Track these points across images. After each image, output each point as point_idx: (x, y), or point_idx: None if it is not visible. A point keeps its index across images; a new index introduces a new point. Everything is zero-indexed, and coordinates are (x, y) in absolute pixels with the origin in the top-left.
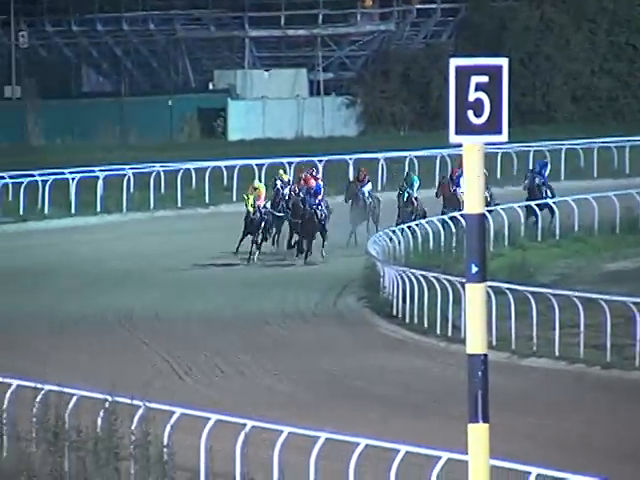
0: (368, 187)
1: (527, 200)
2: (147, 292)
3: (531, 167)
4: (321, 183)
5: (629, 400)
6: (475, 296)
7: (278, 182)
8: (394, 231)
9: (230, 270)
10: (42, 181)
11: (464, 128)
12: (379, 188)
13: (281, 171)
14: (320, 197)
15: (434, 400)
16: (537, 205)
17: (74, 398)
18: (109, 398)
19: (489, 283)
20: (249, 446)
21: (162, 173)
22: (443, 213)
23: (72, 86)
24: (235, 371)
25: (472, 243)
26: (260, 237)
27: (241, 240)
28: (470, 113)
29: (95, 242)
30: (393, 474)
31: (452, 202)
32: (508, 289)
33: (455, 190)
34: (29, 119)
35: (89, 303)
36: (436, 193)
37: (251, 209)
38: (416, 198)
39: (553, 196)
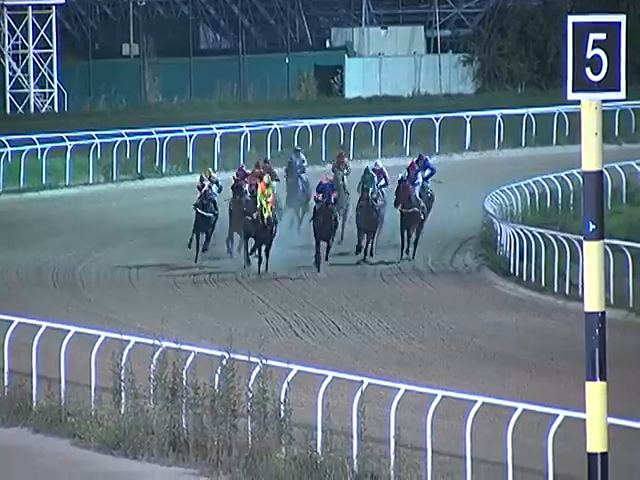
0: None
1: None
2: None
3: None
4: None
5: None
6: (592, 254)
7: (206, 182)
8: (511, 188)
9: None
10: (159, 139)
11: (581, 85)
12: (496, 146)
13: (210, 169)
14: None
15: (551, 358)
16: None
17: (191, 355)
18: (226, 355)
19: (606, 241)
20: (365, 403)
21: (279, 130)
22: (399, 212)
23: (190, 44)
24: (352, 328)
25: (589, 201)
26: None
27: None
28: (588, 70)
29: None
30: (510, 432)
31: (403, 197)
32: (626, 247)
33: (410, 187)
34: (147, 77)
35: (207, 261)
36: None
37: (267, 214)
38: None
39: None
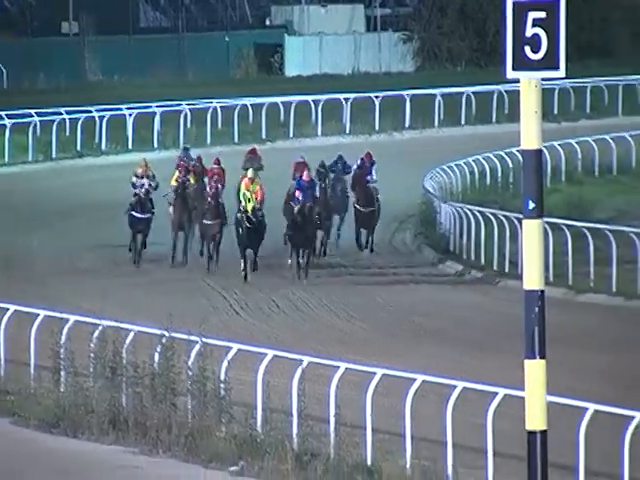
0: None
1: None
2: None
3: None
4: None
5: None
6: (532, 232)
7: (145, 181)
8: (451, 167)
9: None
10: (99, 117)
11: (521, 64)
12: (436, 124)
13: (142, 161)
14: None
15: (490, 335)
16: None
17: (131, 334)
18: (166, 334)
19: (546, 219)
20: (305, 382)
21: (219, 109)
22: (354, 208)
23: (129, 22)
24: (291, 307)
25: (529, 179)
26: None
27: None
28: (527, 49)
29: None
30: (449, 410)
31: (362, 194)
32: (565, 225)
33: (368, 180)
34: (86, 55)
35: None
36: (352, 186)
37: (250, 205)
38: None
39: None
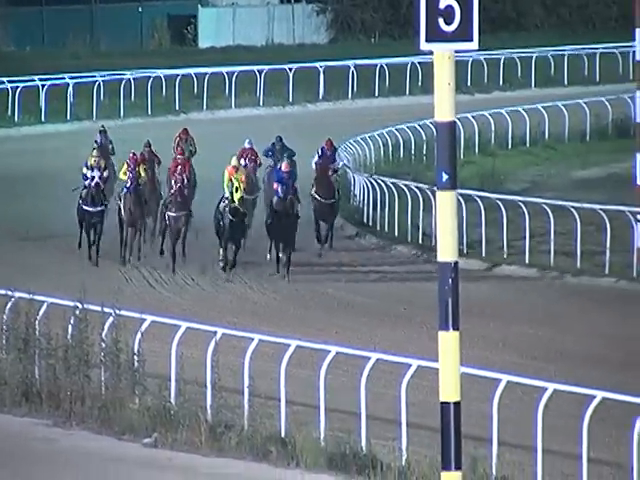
0: None
1: None
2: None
3: None
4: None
5: (599, 307)
6: (445, 204)
7: (96, 174)
8: (364, 138)
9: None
10: (12, 88)
11: (434, 36)
12: (350, 96)
13: (95, 152)
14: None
15: (404, 307)
16: None
17: (44, 305)
18: (79, 305)
19: (459, 191)
20: (219, 353)
21: (132, 80)
22: (313, 199)
23: None
24: (205, 279)
25: (442, 151)
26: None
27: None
28: (440, 21)
29: (65, 149)
30: (363, 382)
31: (324, 184)
32: (478, 197)
33: (334, 170)
34: None
35: (59, 209)
36: (315, 176)
37: (238, 195)
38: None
39: None
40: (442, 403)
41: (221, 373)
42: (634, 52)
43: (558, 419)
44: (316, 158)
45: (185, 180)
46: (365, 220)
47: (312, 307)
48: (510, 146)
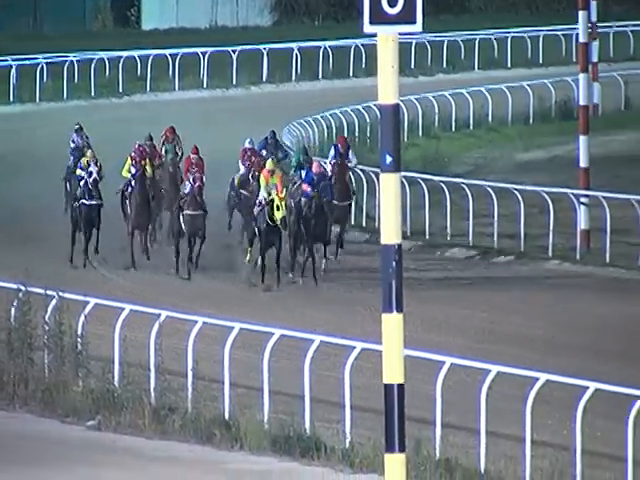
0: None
1: None
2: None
3: None
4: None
5: (542, 289)
6: (389, 186)
7: (93, 169)
8: (308, 121)
9: None
10: None
11: (378, 18)
12: (293, 79)
13: (89, 152)
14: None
15: (349, 291)
16: None
17: None
18: (22, 288)
19: (403, 173)
20: (163, 336)
21: (75, 62)
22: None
23: None
24: (149, 263)
25: (386, 133)
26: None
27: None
28: (384, 3)
29: (7, 132)
30: (307, 364)
31: (340, 186)
32: (422, 179)
33: (350, 168)
34: None
35: (3, 192)
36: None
37: (280, 214)
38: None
39: None
40: (386, 385)
41: (165, 356)
42: (577, 34)
43: (502, 401)
44: (330, 158)
45: (204, 179)
46: None
47: (257, 289)
48: (454, 129)
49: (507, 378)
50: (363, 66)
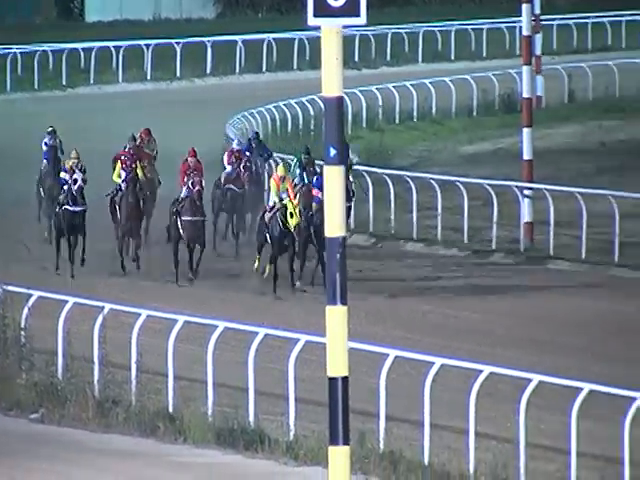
0: None
1: None
2: (14, 175)
3: None
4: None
5: (486, 281)
6: (333, 178)
7: (78, 176)
8: (252, 114)
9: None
10: None
11: (322, 11)
12: (237, 71)
13: (73, 153)
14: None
15: (293, 284)
16: None
17: None
18: None
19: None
20: (106, 329)
21: (19, 55)
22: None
23: None
24: (94, 255)
25: (330, 126)
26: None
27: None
28: None
29: None
30: (251, 357)
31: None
32: (366, 172)
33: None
34: None
35: None
36: None
37: (294, 221)
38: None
39: None
40: (330, 378)
41: (109, 349)
42: (520, 27)
43: (446, 394)
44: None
45: (203, 183)
46: None
47: (201, 281)
48: (398, 121)
49: (451, 370)
50: (307, 59)
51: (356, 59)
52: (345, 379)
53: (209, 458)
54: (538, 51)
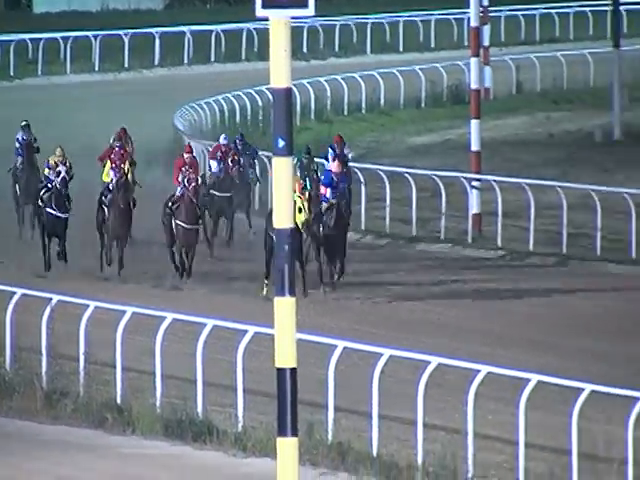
0: None
1: None
2: None
3: None
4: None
5: (435, 272)
6: (282, 170)
7: (62, 168)
8: (200, 104)
9: None
10: None
11: (271, 2)
12: (186, 62)
13: (58, 150)
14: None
15: (237, 276)
16: None
17: None
18: None
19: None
20: (55, 320)
21: None
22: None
23: None
24: (36, 247)
25: (278, 117)
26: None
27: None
28: None
29: None
30: (200, 348)
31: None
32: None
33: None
34: None
35: None
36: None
37: (302, 216)
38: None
39: None
40: (278, 369)
41: (57, 340)
42: (469, 19)
43: (394, 385)
44: (330, 160)
45: (199, 180)
46: None
47: (149, 273)
48: (346, 112)
49: (399, 361)
50: (255, 50)
51: (304, 50)
52: (293, 370)
53: (157, 449)
54: (486, 42)
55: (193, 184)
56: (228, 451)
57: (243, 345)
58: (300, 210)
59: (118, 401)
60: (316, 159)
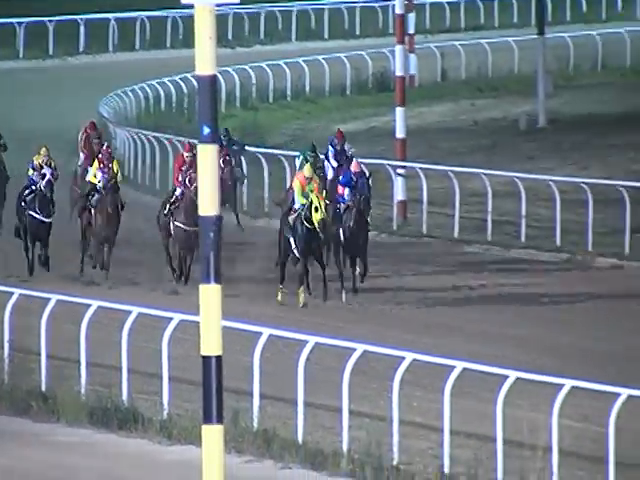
0: None
1: None
2: None
3: None
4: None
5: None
6: (207, 157)
7: (47, 171)
8: (125, 92)
9: None
10: None
11: None
12: (111, 49)
13: (43, 150)
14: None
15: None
16: None
17: None
18: None
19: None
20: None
21: None
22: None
23: None
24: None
25: (204, 104)
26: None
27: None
28: None
29: None
30: (125, 336)
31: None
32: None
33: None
34: None
35: None
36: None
37: (318, 215)
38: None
39: None
40: (203, 357)
41: (20, 334)
42: (394, 6)
43: (320, 372)
44: (331, 157)
45: (194, 185)
46: (127, 174)
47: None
48: (271, 100)
49: (325, 349)
50: (180, 37)
51: (230, 37)
52: (219, 358)
53: (83, 437)
54: (411, 30)
55: (195, 184)
56: (153, 439)
57: (168, 333)
58: (316, 209)
59: (43, 389)
60: (303, 156)
